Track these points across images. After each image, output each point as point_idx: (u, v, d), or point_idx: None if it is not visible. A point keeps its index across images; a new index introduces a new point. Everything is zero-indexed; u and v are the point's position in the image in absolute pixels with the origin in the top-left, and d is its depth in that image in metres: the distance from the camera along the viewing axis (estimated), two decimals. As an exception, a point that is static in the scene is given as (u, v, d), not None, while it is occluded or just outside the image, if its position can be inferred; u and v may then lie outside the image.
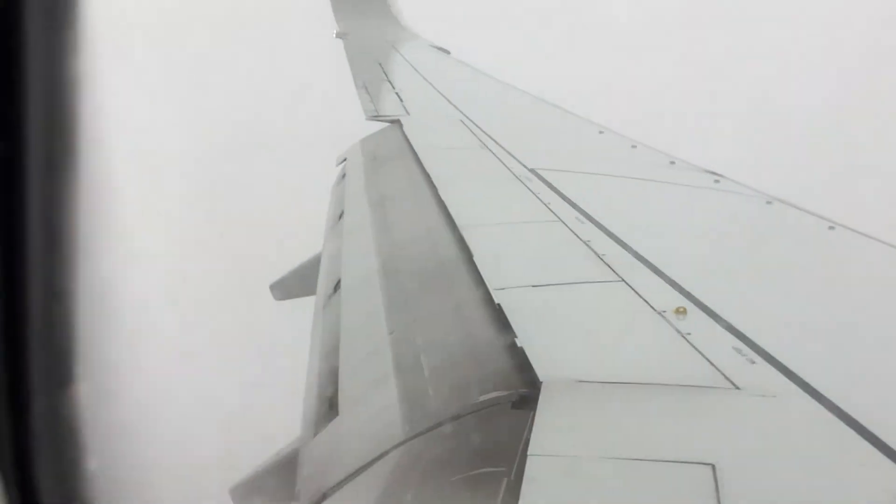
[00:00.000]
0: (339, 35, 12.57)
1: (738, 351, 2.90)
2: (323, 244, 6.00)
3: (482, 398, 2.79)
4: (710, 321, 3.16)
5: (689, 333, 3.04)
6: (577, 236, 4.18)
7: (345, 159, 7.56)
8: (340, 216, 5.99)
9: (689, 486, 2.15)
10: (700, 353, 2.89)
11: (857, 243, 4.43)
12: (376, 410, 3.14)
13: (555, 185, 5.14)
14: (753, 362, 2.82)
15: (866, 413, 2.47)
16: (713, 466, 2.20)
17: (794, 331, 3.24)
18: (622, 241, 4.08)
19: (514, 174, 5.46)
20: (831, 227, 4.59)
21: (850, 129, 18.07)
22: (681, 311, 3.21)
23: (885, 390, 2.74)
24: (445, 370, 3.21)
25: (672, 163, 6.22)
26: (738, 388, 2.65)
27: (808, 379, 2.68)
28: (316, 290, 5.26)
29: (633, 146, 6.75)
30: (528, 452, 2.30)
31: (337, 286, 4.68)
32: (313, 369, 4.06)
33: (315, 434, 3.39)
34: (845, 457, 2.31)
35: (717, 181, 5.72)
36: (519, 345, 2.95)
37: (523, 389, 2.75)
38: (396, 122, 7.72)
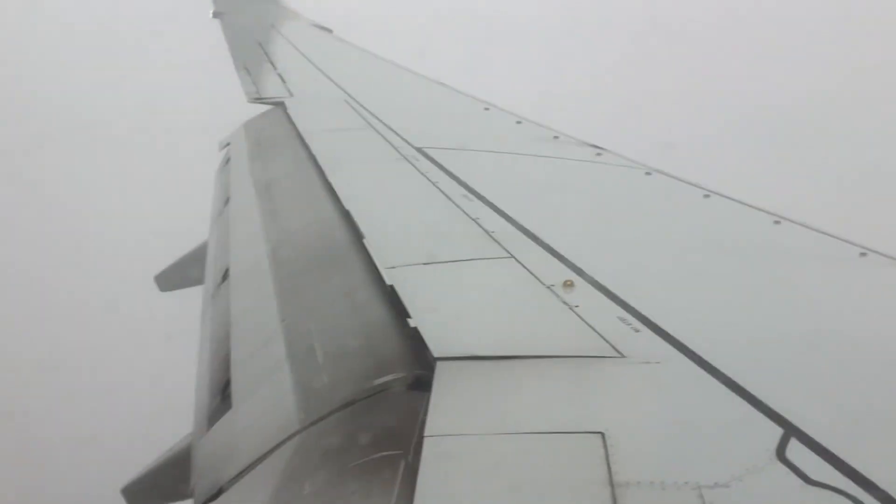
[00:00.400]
0: (215, 14, 12.21)
1: (623, 320, 2.99)
2: (209, 232, 5.85)
3: (377, 382, 2.79)
4: (597, 293, 3.25)
5: (576, 306, 3.11)
6: (466, 214, 4.21)
7: (228, 144, 7.37)
8: (226, 202, 5.85)
9: (581, 455, 2.21)
10: (587, 324, 2.97)
11: (732, 210, 4.62)
12: (270, 400, 3.09)
13: (442, 163, 5.15)
14: (638, 331, 2.91)
15: (744, 374, 2.59)
16: (603, 434, 2.27)
17: (675, 299, 3.36)
18: (510, 217, 4.14)
19: (401, 154, 5.45)
20: (706, 196, 4.77)
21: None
22: (568, 284, 3.29)
23: (761, 351, 2.88)
24: (339, 356, 3.19)
25: (556, 137, 6.33)
26: (623, 356, 2.73)
27: (689, 344, 2.79)
28: (203, 280, 5.14)
29: (518, 122, 6.83)
30: (425, 434, 2.32)
31: (226, 275, 4.57)
32: (204, 361, 3.97)
33: (208, 427, 3.32)
34: (726, 417, 2.42)
35: (598, 154, 5.85)
36: (412, 325, 2.96)
37: (418, 371, 2.77)
38: (280, 104, 7.57)
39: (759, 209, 4.51)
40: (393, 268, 3.48)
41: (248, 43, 10.69)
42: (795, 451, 2.21)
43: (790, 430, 2.29)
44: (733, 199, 4.67)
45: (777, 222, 4.31)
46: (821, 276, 3.83)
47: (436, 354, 2.72)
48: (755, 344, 2.95)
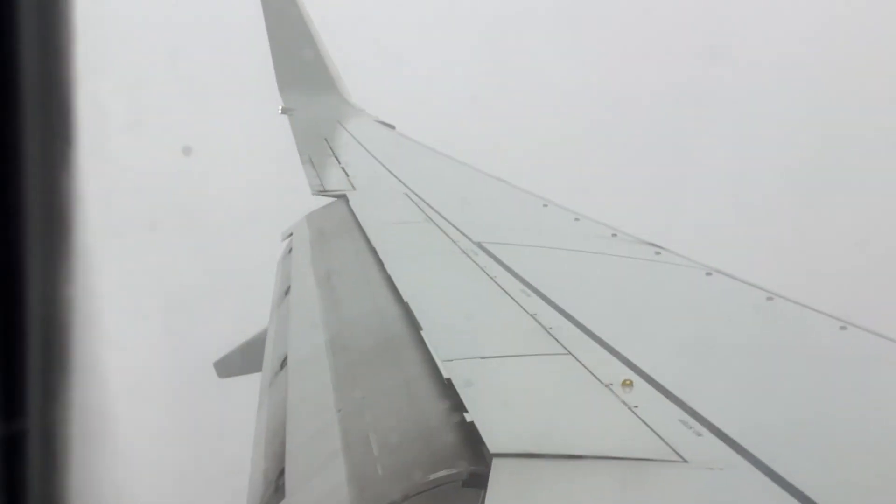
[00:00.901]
0: (284, 111, 12.68)
1: (685, 423, 2.93)
2: (269, 320, 5.94)
3: (432, 477, 2.76)
4: (657, 394, 3.19)
5: (636, 406, 3.06)
6: (524, 309, 4.21)
7: (291, 234, 7.55)
8: (287, 292, 5.95)
9: None
10: (647, 425, 2.91)
11: (794, 314, 4.54)
12: (324, 492, 3.07)
13: (501, 258, 5.19)
14: (700, 435, 2.85)
15: (812, 485, 2.50)
16: None
17: (738, 403, 3.28)
18: (568, 313, 4.13)
19: (461, 248, 5.51)
20: (769, 298, 4.71)
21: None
22: (627, 384, 3.24)
23: (830, 460, 2.79)
24: (395, 448, 3.18)
25: (614, 235, 6.35)
26: (685, 461, 2.67)
27: (754, 451, 2.71)
28: (262, 368, 5.19)
29: (577, 219, 6.87)
30: None
31: (283, 363, 4.62)
32: (259, 450, 3.97)
33: None
34: None
35: (657, 252, 5.84)
36: (468, 420, 2.94)
37: (473, 467, 2.73)
38: (342, 197, 7.75)
39: (825, 313, 4.42)
40: (450, 360, 3.48)
41: (315, 138, 11.04)
42: None
43: None
44: (797, 303, 4.60)
45: (843, 328, 4.22)
46: (891, 383, 3.71)
47: (492, 451, 2.68)
48: (823, 452, 2.85)
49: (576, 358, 3.55)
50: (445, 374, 3.34)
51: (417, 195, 7.45)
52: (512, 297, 4.41)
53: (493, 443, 2.73)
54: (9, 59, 2.07)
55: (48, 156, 2.25)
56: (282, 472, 3.42)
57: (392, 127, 12.80)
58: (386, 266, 5.15)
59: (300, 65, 13.59)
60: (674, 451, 2.72)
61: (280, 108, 12.82)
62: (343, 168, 9.17)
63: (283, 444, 3.65)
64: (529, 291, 4.51)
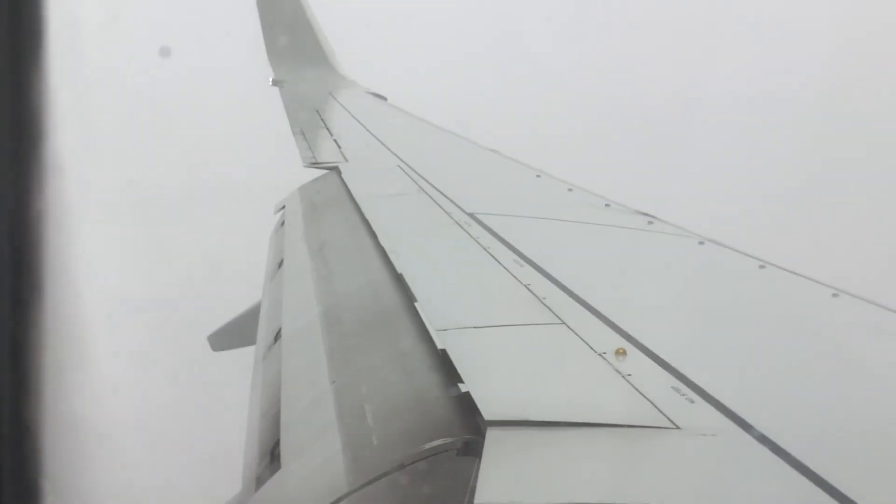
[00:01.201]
0: (275, 82, 12.60)
1: (678, 391, 2.95)
2: (262, 293, 5.94)
3: (427, 446, 2.78)
4: (650, 362, 3.21)
5: (629, 374, 3.08)
6: (518, 279, 4.22)
7: (283, 207, 7.53)
8: (280, 265, 5.95)
9: None
10: (641, 393, 2.93)
11: (786, 281, 4.56)
12: (319, 462, 3.09)
13: (494, 229, 5.19)
14: (692, 402, 2.86)
15: (803, 449, 2.52)
16: None
17: (730, 369, 3.31)
18: (561, 283, 4.13)
19: (453, 219, 5.50)
20: (762, 266, 4.72)
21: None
22: (621, 353, 3.26)
23: (821, 425, 2.81)
24: (389, 418, 3.19)
25: (607, 205, 6.34)
26: (678, 427, 2.68)
27: (746, 417, 2.73)
28: (255, 341, 5.19)
29: (570, 189, 6.86)
30: (475, 500, 2.29)
31: (277, 336, 4.62)
32: (254, 421, 3.99)
33: (257, 488, 3.33)
34: (785, 493, 2.35)
35: (650, 222, 5.84)
36: (463, 390, 2.95)
37: (468, 436, 2.75)
38: (335, 169, 7.73)
39: (817, 281, 4.44)
40: (444, 330, 3.49)
41: (306, 110, 10.98)
42: None
43: None
44: (789, 271, 4.62)
45: (835, 295, 4.24)
46: (879, 349, 3.74)
47: (487, 417, 2.70)
48: (814, 417, 2.87)
49: (569, 327, 3.56)
50: (440, 345, 3.35)
51: (410, 166, 7.43)
52: (505, 268, 4.41)
53: (487, 409, 2.74)
54: None
55: (16, 56, 2.18)
56: (277, 443, 3.44)
57: (384, 98, 12.74)
58: (379, 238, 5.15)
59: (291, 36, 13.47)
60: (667, 417, 2.73)
61: (271, 79, 12.74)
62: (335, 140, 9.13)
63: (278, 416, 3.66)
64: (522, 262, 4.51)
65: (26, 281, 2.28)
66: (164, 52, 10.84)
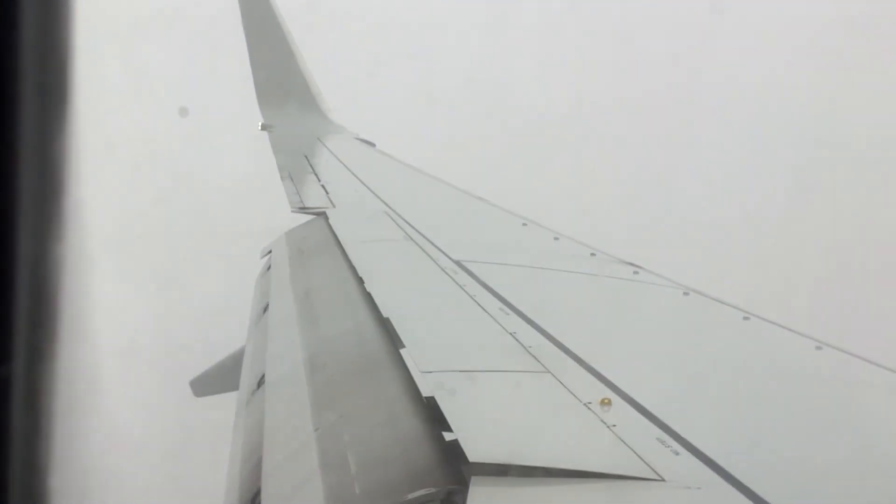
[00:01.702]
0: (264, 127, 12.68)
1: (662, 442, 2.94)
2: (247, 338, 5.90)
3: (410, 496, 2.75)
4: (635, 412, 3.20)
5: (614, 425, 3.07)
6: (503, 328, 4.22)
7: (270, 251, 7.52)
8: (265, 309, 5.92)
9: None
10: (625, 443, 2.92)
11: (771, 333, 4.58)
12: None
13: (480, 276, 5.20)
14: (677, 453, 2.85)
15: (787, 502, 2.52)
16: None
17: (715, 421, 3.30)
18: (547, 332, 4.14)
19: (440, 266, 5.51)
20: (746, 318, 4.74)
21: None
22: (606, 402, 3.25)
23: (806, 479, 2.80)
24: (373, 467, 3.16)
25: (593, 254, 6.38)
26: (662, 479, 2.67)
27: (731, 470, 2.72)
28: (238, 386, 5.15)
29: (556, 238, 6.90)
30: None
31: (261, 381, 4.59)
32: (234, 469, 3.94)
33: None
34: None
35: (635, 272, 5.87)
36: (448, 437, 2.93)
37: (451, 486, 2.73)
38: (322, 214, 7.74)
39: (801, 333, 4.46)
40: (430, 375, 3.48)
41: (294, 154, 11.04)
42: None
43: None
44: (774, 323, 4.64)
45: (819, 348, 4.26)
46: (864, 402, 3.74)
47: (471, 459, 2.68)
48: (799, 471, 2.87)
49: (555, 376, 3.55)
50: (425, 392, 3.33)
51: (397, 213, 7.46)
52: (491, 316, 4.41)
53: (472, 452, 2.72)
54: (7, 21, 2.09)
55: (43, 113, 2.27)
56: (258, 493, 3.39)
57: (372, 144, 12.84)
58: (365, 284, 5.14)
59: (280, 81, 13.60)
60: (651, 469, 2.72)
61: (260, 124, 12.83)
62: (323, 185, 9.17)
63: (259, 464, 3.61)
64: (508, 310, 4.51)
65: (42, 327, 2.35)
66: (183, 112, 11.09)
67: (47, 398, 2.42)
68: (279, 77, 13.63)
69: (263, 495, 3.33)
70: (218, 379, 6.87)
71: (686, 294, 5.30)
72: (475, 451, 2.73)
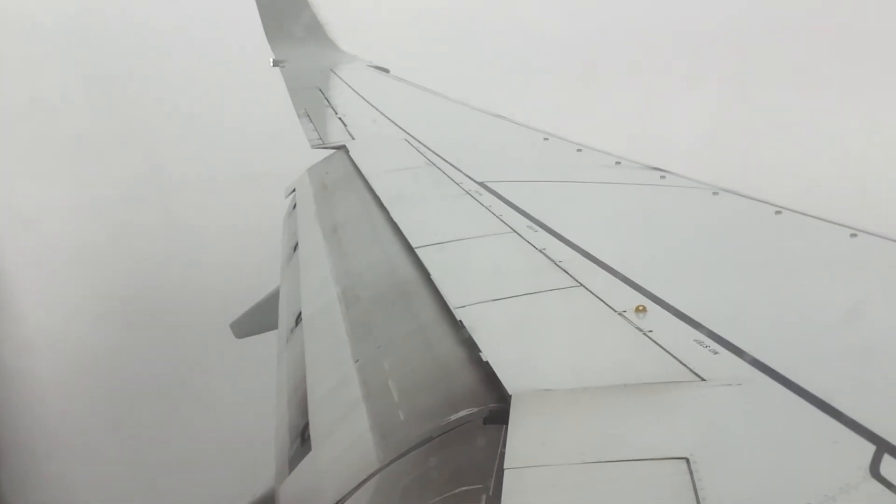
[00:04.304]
0: (275, 63, 12.55)
1: (700, 343, 2.94)
2: (280, 277, 5.96)
3: (453, 417, 2.79)
4: (671, 316, 3.20)
5: (650, 331, 3.07)
6: (532, 245, 4.20)
7: (293, 190, 7.52)
8: (295, 248, 5.96)
9: (666, 482, 2.17)
10: (663, 348, 2.92)
11: (804, 225, 4.52)
12: (349, 441, 3.11)
13: (505, 196, 5.17)
14: (716, 353, 2.86)
15: (830, 391, 2.52)
16: (687, 460, 2.22)
17: (752, 318, 3.29)
18: (577, 245, 4.12)
19: (464, 189, 5.48)
20: (778, 212, 4.68)
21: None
22: (641, 310, 3.25)
23: (845, 368, 2.80)
24: (414, 393, 3.21)
25: (618, 163, 6.30)
26: (703, 379, 2.68)
27: (771, 364, 2.72)
28: (277, 325, 5.22)
29: (579, 150, 6.82)
30: (505, 466, 2.30)
31: (298, 319, 4.64)
32: (282, 405, 4.02)
33: (290, 471, 3.36)
34: (815, 437, 2.35)
35: (662, 177, 5.80)
36: (484, 359, 2.96)
37: (493, 404, 2.76)
38: (342, 148, 7.71)
39: (834, 223, 4.40)
40: (463, 307, 3.49)
41: (309, 89, 10.93)
42: (890, 467, 2.14)
43: (883, 447, 2.21)
44: (806, 214, 4.57)
45: (854, 235, 4.20)
46: None
47: (509, 391, 2.70)
48: (839, 360, 2.86)
49: (587, 289, 3.55)
50: (458, 317, 3.35)
51: (417, 139, 7.40)
52: (519, 234, 4.40)
53: (509, 383, 2.75)
54: None
55: None
56: (306, 425, 3.46)
57: (386, 71, 12.67)
58: (391, 214, 5.14)
59: (288, 14, 13.39)
60: (691, 371, 2.73)
61: (271, 60, 12.69)
62: (340, 118, 9.10)
63: (305, 398, 3.69)
64: (536, 227, 4.49)
65: None
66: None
67: None
68: (286, 10, 13.43)
69: (312, 427, 3.41)
70: (256, 320, 6.97)
71: (715, 194, 5.23)
72: (512, 383, 2.75)
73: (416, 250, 4.32)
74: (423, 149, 6.99)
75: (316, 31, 13.53)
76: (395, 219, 4.98)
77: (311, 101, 10.30)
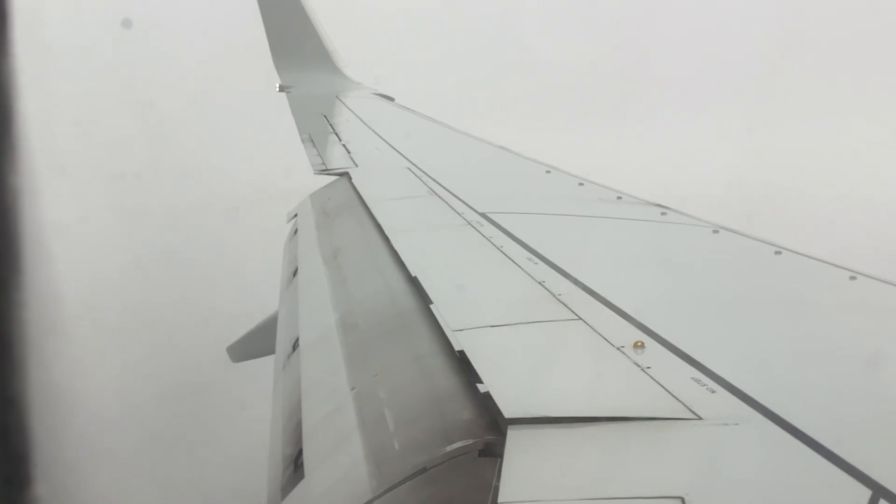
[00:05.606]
0: (281, 88, 12.65)
1: (698, 381, 2.93)
2: (279, 302, 5.96)
3: (448, 448, 2.78)
4: (669, 353, 3.20)
5: (648, 367, 3.06)
6: (532, 277, 4.21)
7: (295, 215, 7.54)
8: (295, 273, 5.96)
9: None
10: (661, 385, 2.91)
11: (803, 267, 4.53)
12: (342, 469, 3.10)
13: (506, 227, 5.18)
14: (713, 391, 2.85)
15: (827, 434, 2.51)
16: (682, 499, 2.21)
17: (750, 358, 3.28)
18: (576, 279, 4.12)
19: (465, 219, 5.50)
20: (778, 252, 4.69)
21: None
22: (639, 346, 3.24)
23: (843, 410, 2.79)
24: (410, 422, 3.19)
25: (619, 198, 6.32)
26: (700, 417, 2.67)
27: (768, 405, 2.72)
28: (275, 350, 5.21)
29: (581, 183, 6.85)
30: (499, 501, 2.29)
31: (296, 345, 4.64)
32: (276, 431, 4.00)
33: (282, 498, 3.33)
34: (811, 480, 2.34)
35: (663, 213, 5.82)
36: (483, 390, 2.95)
37: (489, 437, 2.75)
38: (345, 175, 7.74)
39: (834, 265, 4.41)
40: (461, 330, 3.49)
41: (313, 115, 11.00)
42: None
43: (879, 492, 2.20)
44: (806, 256, 4.59)
45: (853, 278, 4.21)
46: None
47: (507, 415, 2.69)
48: (836, 403, 2.85)
49: (586, 323, 3.55)
50: (457, 346, 3.35)
51: (420, 168, 7.43)
52: (519, 266, 4.41)
53: (507, 408, 2.74)
54: None
55: None
56: (300, 452, 3.45)
57: (391, 99, 12.76)
58: (392, 242, 5.15)
59: (295, 41, 13.52)
60: (688, 408, 2.72)
61: (277, 85, 12.79)
62: (344, 145, 9.15)
63: (299, 425, 3.67)
64: (536, 259, 4.50)
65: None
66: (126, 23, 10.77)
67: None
68: (293, 36, 13.55)
69: (305, 455, 3.39)
70: (253, 344, 6.96)
71: (715, 232, 5.25)
72: (510, 408, 2.74)
73: (416, 279, 4.32)
74: (425, 178, 7.02)
75: (322, 58, 13.64)
76: (396, 247, 4.99)
77: (316, 126, 10.36)
